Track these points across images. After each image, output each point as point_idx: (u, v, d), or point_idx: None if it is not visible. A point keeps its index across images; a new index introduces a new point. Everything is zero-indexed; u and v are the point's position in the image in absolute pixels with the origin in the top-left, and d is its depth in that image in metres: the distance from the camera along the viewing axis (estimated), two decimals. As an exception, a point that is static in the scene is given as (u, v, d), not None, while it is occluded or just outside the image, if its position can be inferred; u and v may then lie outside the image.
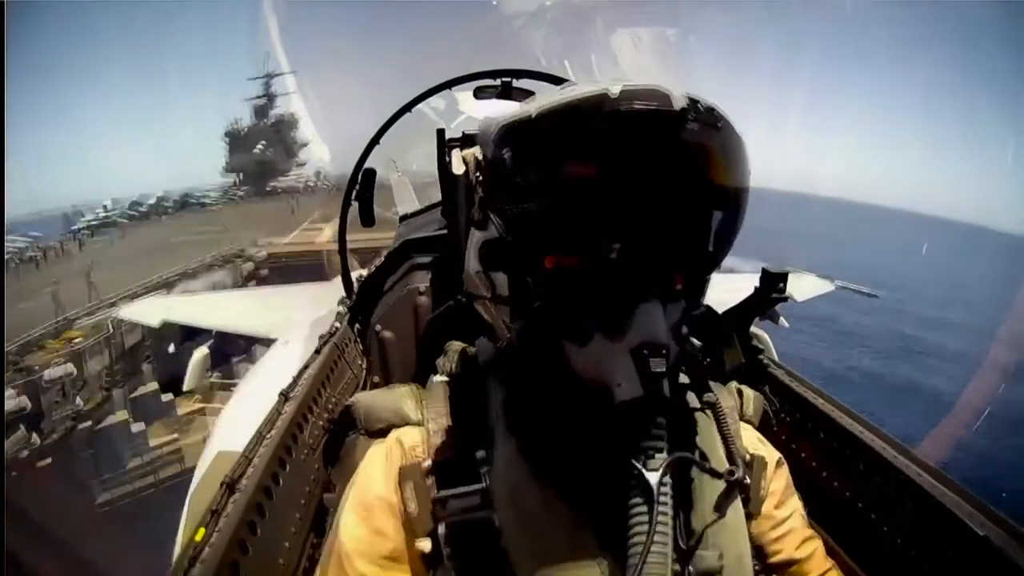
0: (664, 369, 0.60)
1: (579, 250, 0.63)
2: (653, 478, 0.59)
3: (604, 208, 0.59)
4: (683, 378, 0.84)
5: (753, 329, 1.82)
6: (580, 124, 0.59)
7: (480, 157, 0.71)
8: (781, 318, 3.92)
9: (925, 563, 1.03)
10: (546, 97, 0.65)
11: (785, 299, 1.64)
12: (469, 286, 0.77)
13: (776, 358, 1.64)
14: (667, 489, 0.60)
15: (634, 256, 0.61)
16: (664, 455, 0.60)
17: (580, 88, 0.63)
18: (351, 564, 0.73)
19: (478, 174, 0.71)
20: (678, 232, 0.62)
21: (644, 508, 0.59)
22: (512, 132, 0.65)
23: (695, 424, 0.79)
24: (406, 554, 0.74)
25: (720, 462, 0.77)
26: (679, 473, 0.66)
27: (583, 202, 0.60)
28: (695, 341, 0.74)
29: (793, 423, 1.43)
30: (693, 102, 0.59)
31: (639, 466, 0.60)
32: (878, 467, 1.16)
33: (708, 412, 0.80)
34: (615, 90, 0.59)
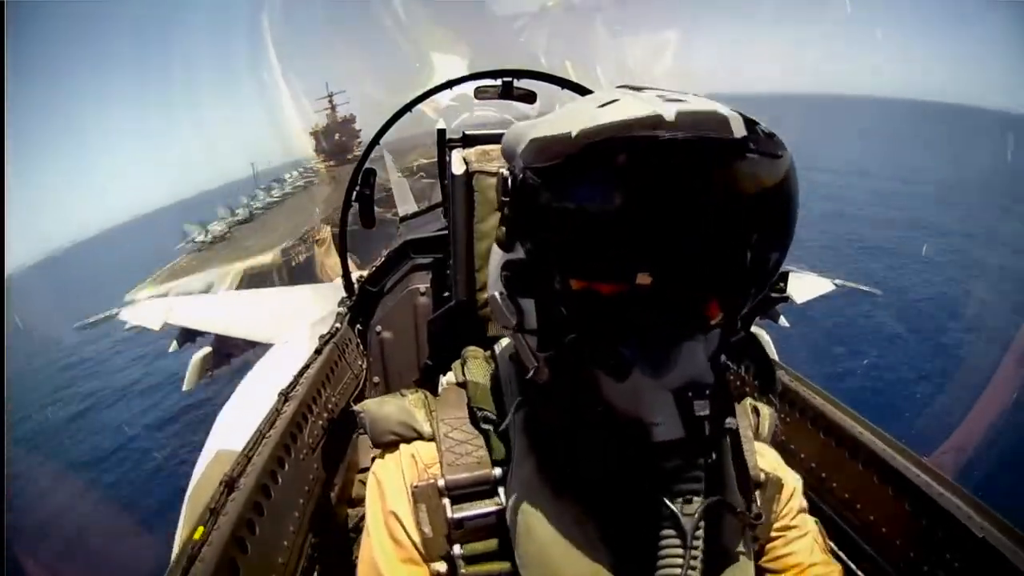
0: (708, 412, 0.57)
1: (617, 278, 0.59)
2: (689, 523, 0.57)
3: (648, 237, 0.55)
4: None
5: (753, 329, 1.82)
6: (631, 151, 0.53)
7: (508, 175, 0.65)
8: (781, 317, 3.92)
9: (924, 564, 1.03)
10: (579, 112, 0.60)
11: (785, 299, 1.64)
12: (493, 311, 0.71)
13: (776, 357, 1.64)
14: (701, 533, 0.58)
15: (675, 287, 0.58)
16: (701, 498, 0.58)
17: (626, 107, 0.57)
18: (378, 572, 0.72)
19: (505, 196, 0.65)
20: (723, 264, 0.57)
21: (678, 552, 0.57)
22: (547, 153, 0.59)
23: (723, 460, 0.74)
24: (425, 568, 0.72)
25: (732, 491, 0.73)
26: (711, 518, 0.62)
27: (624, 232, 0.55)
28: (731, 364, 0.70)
29: (793, 423, 1.43)
30: (751, 127, 0.55)
31: (675, 509, 0.57)
32: (877, 467, 1.16)
33: (727, 439, 0.74)
34: (670, 114, 0.54)
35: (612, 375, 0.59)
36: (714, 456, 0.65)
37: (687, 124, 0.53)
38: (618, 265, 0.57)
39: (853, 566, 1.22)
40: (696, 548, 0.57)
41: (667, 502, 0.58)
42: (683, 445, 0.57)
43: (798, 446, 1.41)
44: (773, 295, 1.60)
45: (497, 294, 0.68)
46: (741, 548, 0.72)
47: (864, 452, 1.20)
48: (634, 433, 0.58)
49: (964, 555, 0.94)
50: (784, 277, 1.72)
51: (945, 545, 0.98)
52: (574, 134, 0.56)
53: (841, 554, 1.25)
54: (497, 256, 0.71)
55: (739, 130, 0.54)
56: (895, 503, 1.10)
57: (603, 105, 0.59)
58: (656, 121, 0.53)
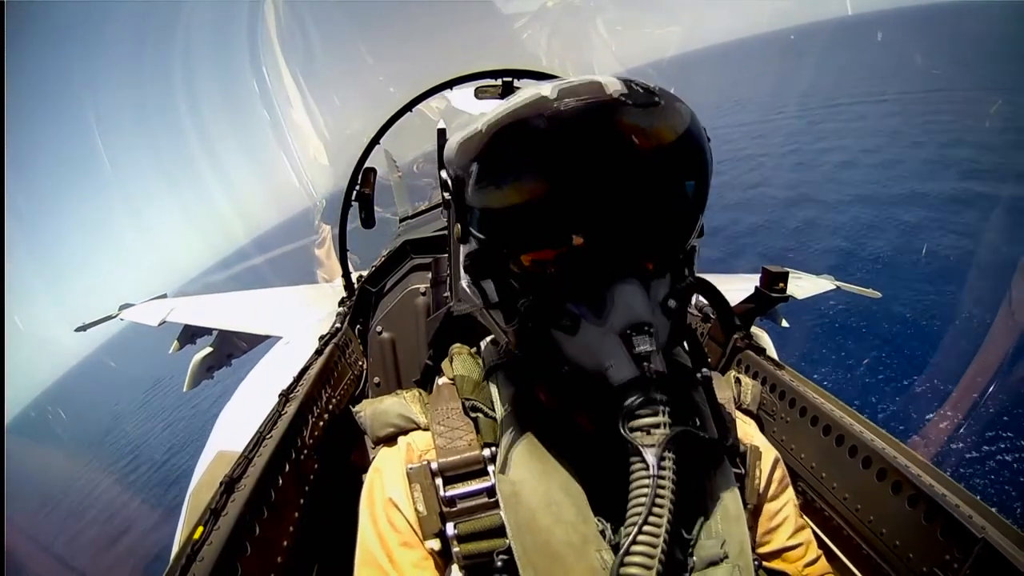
0: (651, 347, 0.61)
1: (551, 245, 0.65)
2: (652, 453, 0.59)
3: (565, 204, 0.61)
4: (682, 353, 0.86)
5: (753, 329, 1.81)
6: (524, 130, 0.61)
7: (446, 178, 0.73)
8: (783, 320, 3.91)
9: (924, 565, 1.02)
10: (494, 109, 0.67)
11: (786, 299, 1.64)
12: (463, 298, 0.79)
13: (776, 357, 1.64)
14: (668, 463, 0.59)
15: (603, 242, 0.63)
16: (663, 430, 0.60)
17: (521, 94, 0.65)
18: (376, 563, 0.75)
19: (446, 193, 0.74)
20: (641, 213, 0.63)
21: (645, 483, 0.58)
22: (467, 150, 0.67)
23: (693, 399, 0.80)
24: (422, 548, 0.75)
25: (712, 435, 0.78)
26: (681, 451, 0.65)
27: (544, 203, 0.62)
28: (695, 312, 0.74)
29: (793, 423, 1.43)
30: (628, 85, 0.61)
31: (638, 444, 0.60)
32: (877, 467, 1.16)
33: (701, 388, 0.81)
34: (550, 91, 0.62)
35: (565, 331, 0.65)
36: (682, 395, 0.73)
37: (565, 95, 0.61)
38: (546, 230, 0.63)
39: (853, 566, 1.22)
40: (664, 477, 0.58)
41: (629, 437, 0.60)
42: (636, 382, 0.60)
43: (798, 446, 1.41)
44: (773, 295, 1.62)
45: (464, 284, 0.77)
46: (729, 501, 0.76)
47: (864, 452, 1.20)
48: (596, 383, 0.62)
49: (964, 555, 0.94)
50: (784, 277, 1.71)
51: (945, 545, 0.98)
52: (482, 129, 0.65)
53: (841, 555, 1.25)
54: (461, 251, 0.77)
55: (613, 88, 0.60)
56: (895, 503, 1.10)
57: (507, 99, 0.67)
58: (538, 99, 0.61)
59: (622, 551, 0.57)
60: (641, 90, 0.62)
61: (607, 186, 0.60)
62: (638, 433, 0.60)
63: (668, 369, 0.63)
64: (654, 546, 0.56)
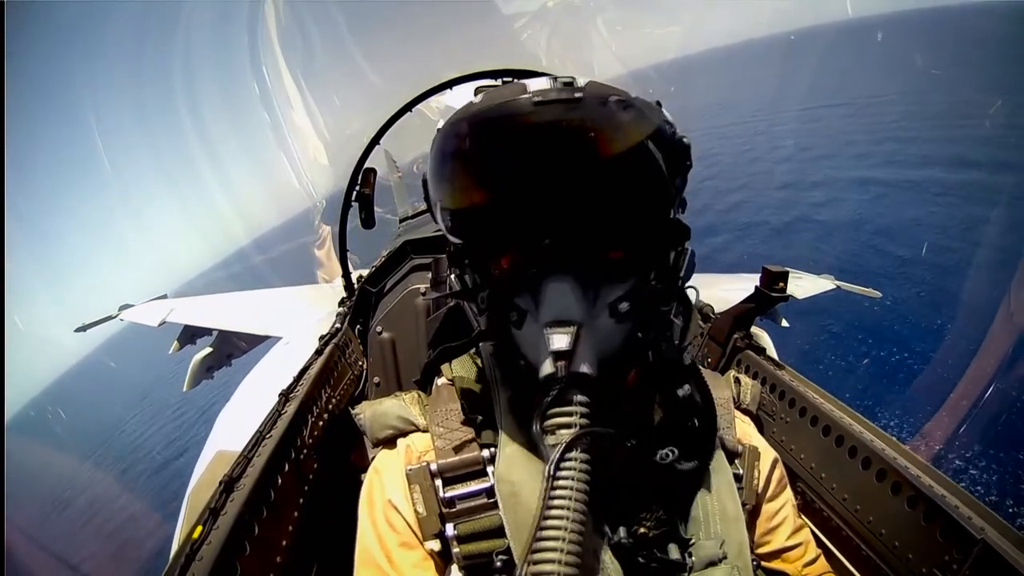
0: (567, 346, 0.60)
1: (493, 240, 0.68)
2: (552, 453, 0.57)
3: (498, 200, 0.64)
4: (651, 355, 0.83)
5: (753, 329, 1.81)
6: (452, 136, 0.66)
7: (423, 181, 0.77)
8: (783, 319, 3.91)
9: (923, 565, 1.02)
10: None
11: (786, 298, 1.64)
12: (450, 288, 0.80)
13: (776, 357, 1.64)
14: (572, 464, 0.56)
15: (562, 241, 0.63)
16: (573, 431, 0.58)
17: (487, 97, 0.67)
18: (375, 563, 0.75)
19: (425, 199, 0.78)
20: (595, 210, 0.63)
21: (553, 490, 0.56)
22: (431, 153, 0.71)
23: (648, 403, 0.79)
24: (421, 548, 0.75)
25: (715, 452, 0.78)
26: (641, 456, 0.68)
27: (479, 200, 0.65)
28: (676, 321, 0.73)
29: (793, 423, 1.43)
30: (556, 83, 0.63)
31: (540, 444, 0.59)
32: (877, 467, 1.16)
33: (687, 391, 0.80)
34: (477, 96, 0.66)
35: (514, 325, 0.67)
36: (637, 398, 0.75)
37: (488, 99, 0.64)
38: (486, 226, 0.67)
39: (852, 567, 1.22)
40: (566, 478, 0.55)
41: (535, 436, 0.60)
42: (550, 379, 0.60)
43: (798, 446, 1.40)
44: (773, 294, 1.62)
45: (453, 276, 0.79)
46: (727, 501, 0.76)
47: (864, 452, 1.20)
48: (536, 376, 0.62)
49: (963, 556, 0.94)
50: (784, 276, 1.71)
51: (944, 546, 0.98)
52: (436, 132, 0.69)
53: (840, 555, 1.25)
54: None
55: (534, 89, 0.62)
56: (895, 503, 1.10)
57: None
58: (466, 105, 0.65)
59: (518, 569, 0.55)
60: (561, 85, 0.63)
61: (529, 180, 0.61)
62: (548, 435, 0.59)
63: (606, 372, 0.61)
64: (555, 551, 0.52)
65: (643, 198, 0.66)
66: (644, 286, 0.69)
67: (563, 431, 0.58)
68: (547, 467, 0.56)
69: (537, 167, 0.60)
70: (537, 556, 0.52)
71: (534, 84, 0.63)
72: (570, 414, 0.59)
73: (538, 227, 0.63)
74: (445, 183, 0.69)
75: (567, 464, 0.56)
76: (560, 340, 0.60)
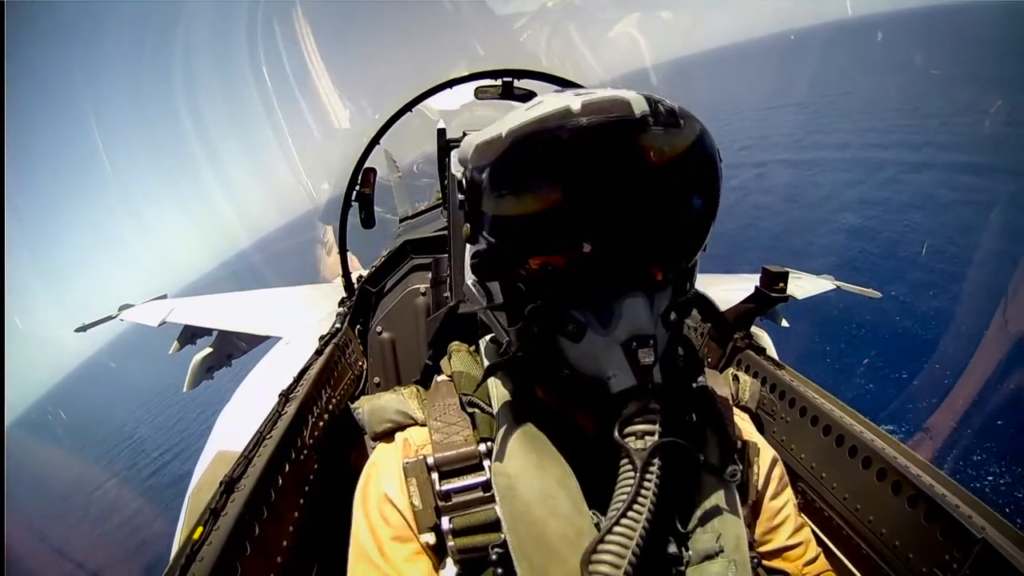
0: (652, 360, 0.64)
1: (561, 251, 0.67)
2: (639, 457, 0.62)
3: (580, 214, 0.63)
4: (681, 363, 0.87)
5: (753, 329, 1.81)
6: (547, 142, 0.62)
7: (461, 177, 0.75)
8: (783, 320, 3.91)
9: (924, 565, 1.02)
10: (514, 115, 0.69)
11: (786, 298, 1.64)
12: (468, 297, 0.80)
13: (776, 357, 1.64)
14: (654, 468, 0.62)
15: (613, 253, 0.65)
16: (654, 438, 0.63)
17: (546, 104, 0.66)
18: (368, 557, 0.75)
19: (461, 195, 0.76)
20: (652, 227, 0.65)
21: (630, 482, 0.61)
22: (487, 153, 0.69)
23: (690, 410, 0.82)
24: (415, 542, 0.76)
25: (713, 449, 0.79)
26: (673, 459, 0.69)
27: (560, 211, 0.63)
28: (690, 324, 0.76)
29: (793, 423, 1.43)
30: (653, 105, 0.63)
31: (629, 448, 0.62)
32: (877, 467, 1.16)
33: (702, 399, 0.83)
34: (576, 104, 0.63)
35: (570, 338, 0.67)
36: (680, 405, 0.76)
37: (591, 110, 0.62)
38: (559, 238, 0.65)
39: (852, 566, 1.22)
40: (648, 479, 0.61)
41: (622, 442, 0.63)
42: (635, 391, 0.63)
43: (798, 446, 1.41)
44: (773, 295, 1.63)
45: (470, 282, 0.78)
46: (725, 496, 0.77)
47: (864, 452, 1.20)
48: (597, 389, 0.65)
49: (964, 555, 0.94)
50: (784, 277, 1.71)
51: (945, 545, 0.98)
52: (504, 134, 0.66)
53: (840, 555, 1.25)
54: (467, 250, 0.79)
55: (640, 108, 0.62)
56: (895, 503, 1.10)
57: (530, 108, 0.68)
58: (564, 112, 0.62)
59: (596, 538, 0.59)
60: (664, 111, 0.63)
61: (622, 199, 0.62)
62: (631, 438, 0.63)
63: (665, 380, 0.65)
64: (629, 538, 0.58)
65: (705, 218, 0.70)
66: (684, 295, 0.73)
67: (649, 438, 0.63)
68: (637, 467, 0.61)
69: (630, 184, 0.62)
70: (615, 539, 0.59)
71: (637, 104, 0.63)
72: (651, 422, 0.63)
73: (610, 239, 0.65)
74: (523, 186, 0.66)
75: (651, 467, 0.61)
76: (646, 356, 0.64)
